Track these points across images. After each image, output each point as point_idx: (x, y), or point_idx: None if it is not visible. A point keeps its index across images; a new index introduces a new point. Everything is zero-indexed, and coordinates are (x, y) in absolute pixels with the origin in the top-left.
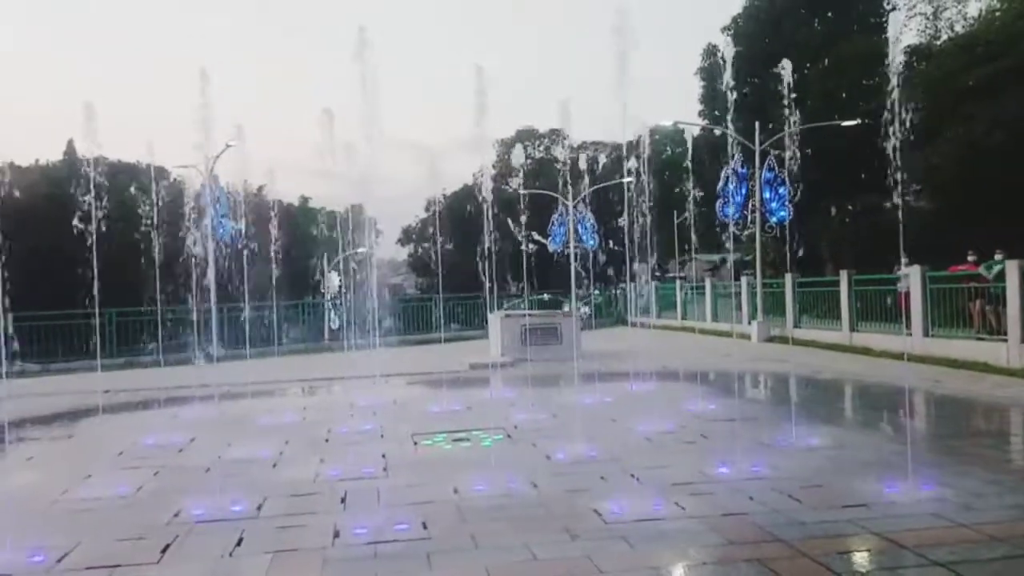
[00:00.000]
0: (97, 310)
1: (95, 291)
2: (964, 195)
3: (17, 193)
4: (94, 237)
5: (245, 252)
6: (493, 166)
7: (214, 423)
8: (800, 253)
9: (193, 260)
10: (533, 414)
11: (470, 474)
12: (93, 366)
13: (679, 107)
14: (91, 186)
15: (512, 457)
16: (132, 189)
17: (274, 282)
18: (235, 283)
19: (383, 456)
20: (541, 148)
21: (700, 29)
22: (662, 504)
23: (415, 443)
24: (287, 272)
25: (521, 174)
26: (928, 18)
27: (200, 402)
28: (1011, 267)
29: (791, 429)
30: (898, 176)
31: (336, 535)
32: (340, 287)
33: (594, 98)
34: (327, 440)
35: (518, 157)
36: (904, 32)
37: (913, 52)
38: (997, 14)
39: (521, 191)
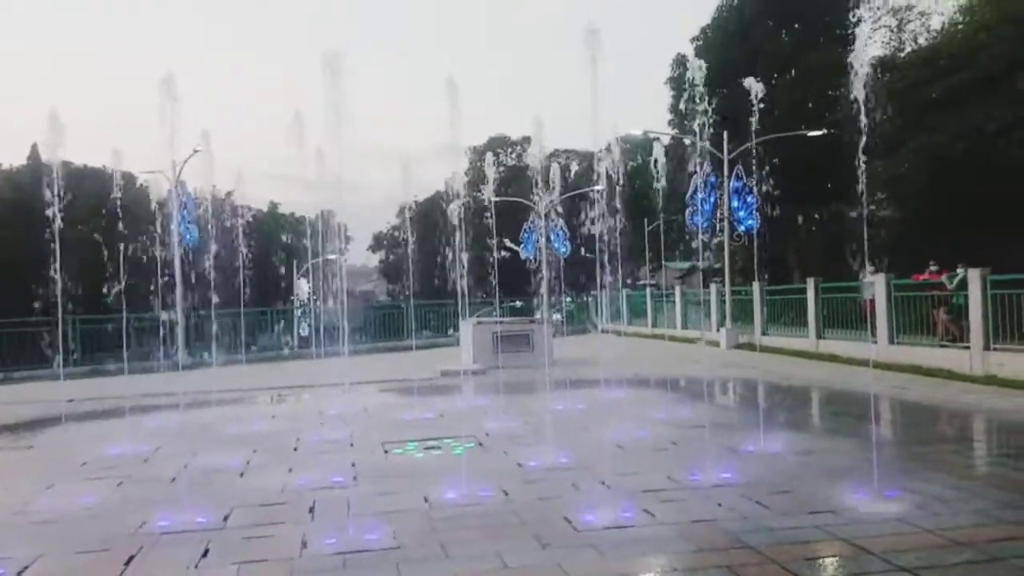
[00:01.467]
0: (60, 317)
1: (58, 298)
2: (929, 204)
3: None
4: (57, 243)
5: (211, 258)
6: (465, 173)
7: (180, 432)
8: (767, 261)
9: (159, 266)
10: (504, 422)
11: (441, 482)
12: (56, 374)
13: (650, 116)
14: (56, 191)
15: (483, 465)
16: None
17: (242, 289)
18: (202, 290)
19: (353, 465)
20: (513, 156)
21: (670, 39)
22: (632, 511)
23: (386, 451)
24: (255, 279)
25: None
26: (892, 31)
27: (166, 410)
28: (973, 276)
29: (759, 436)
30: (862, 185)
31: (304, 545)
32: (309, 294)
33: (566, 107)
34: (296, 449)
35: (490, 165)
36: (869, 44)
37: (878, 63)
38: (959, 27)
39: (493, 199)
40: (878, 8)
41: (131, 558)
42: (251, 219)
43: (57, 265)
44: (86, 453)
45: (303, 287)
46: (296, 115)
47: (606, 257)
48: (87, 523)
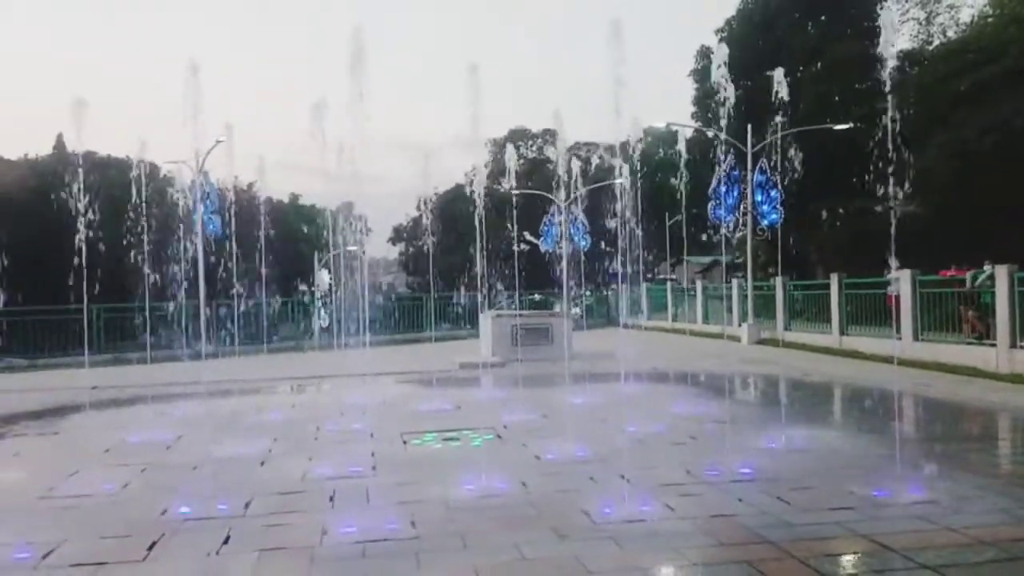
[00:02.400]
0: (85, 306)
1: (83, 286)
2: (955, 199)
3: (5, 187)
4: (82, 232)
5: (234, 248)
6: (486, 166)
7: (202, 420)
8: (790, 256)
9: (182, 256)
10: (523, 414)
11: (459, 474)
12: (80, 362)
13: (673, 108)
14: (80, 181)
15: (502, 457)
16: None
17: (263, 279)
18: (224, 280)
19: (372, 455)
20: (534, 148)
21: (695, 31)
22: (651, 505)
23: (405, 442)
24: (276, 269)
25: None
26: (921, 23)
27: (188, 399)
28: (1001, 273)
29: (780, 431)
30: (890, 180)
31: (324, 534)
32: (330, 285)
33: (588, 99)
34: (316, 438)
35: (511, 157)
36: (897, 37)
37: (905, 57)
38: (989, 20)
39: (513, 191)
40: (906, 1)
41: (153, 544)
42: (272, 210)
43: (82, 253)
44: (109, 440)
45: (324, 278)
46: (316, 106)
47: (626, 251)
48: (110, 509)
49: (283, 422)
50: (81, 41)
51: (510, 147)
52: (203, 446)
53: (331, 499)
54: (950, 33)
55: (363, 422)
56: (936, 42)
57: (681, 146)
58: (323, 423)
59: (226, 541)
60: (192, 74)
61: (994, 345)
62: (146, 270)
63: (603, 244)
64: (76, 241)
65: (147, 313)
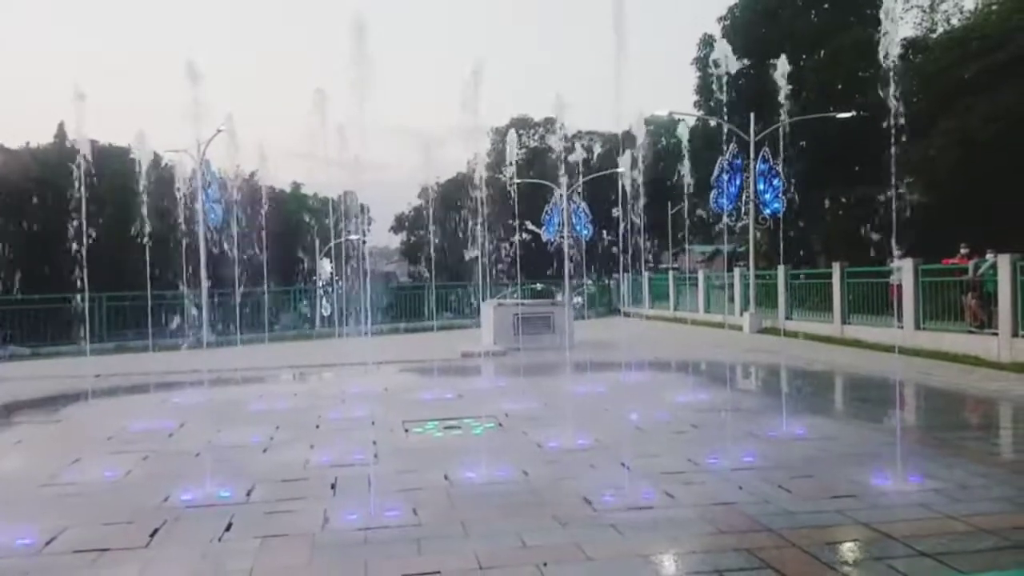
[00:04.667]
0: (87, 294)
1: (85, 275)
2: (959, 188)
3: (8, 176)
4: (83, 221)
5: (236, 238)
6: (488, 154)
7: (204, 408)
8: (793, 244)
9: (183, 245)
10: (524, 403)
11: (461, 461)
12: (83, 350)
13: (676, 96)
14: (81, 170)
15: (503, 445)
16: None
17: (265, 268)
18: (226, 269)
19: (374, 443)
20: (536, 137)
21: (698, 18)
22: (652, 493)
23: (406, 430)
24: (278, 258)
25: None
26: (925, 11)
27: (190, 387)
28: (1003, 262)
29: (781, 420)
30: (892, 169)
31: (326, 521)
32: (332, 274)
33: (590, 87)
34: (318, 427)
35: (512, 146)
36: (901, 24)
37: (909, 45)
38: (994, 8)
39: (515, 180)
40: None
41: (156, 531)
42: (274, 199)
43: (83, 242)
44: (112, 427)
45: (325, 267)
46: (319, 94)
47: (628, 240)
48: (113, 496)
49: (285, 410)
50: (82, 29)
51: (512, 134)
52: (205, 434)
53: (333, 487)
54: (954, 21)
55: (365, 410)
56: (940, 30)
57: (683, 135)
58: (325, 411)
59: (228, 528)
60: (193, 62)
61: (995, 334)
62: (147, 259)
63: (605, 233)
64: (78, 230)
65: (149, 301)
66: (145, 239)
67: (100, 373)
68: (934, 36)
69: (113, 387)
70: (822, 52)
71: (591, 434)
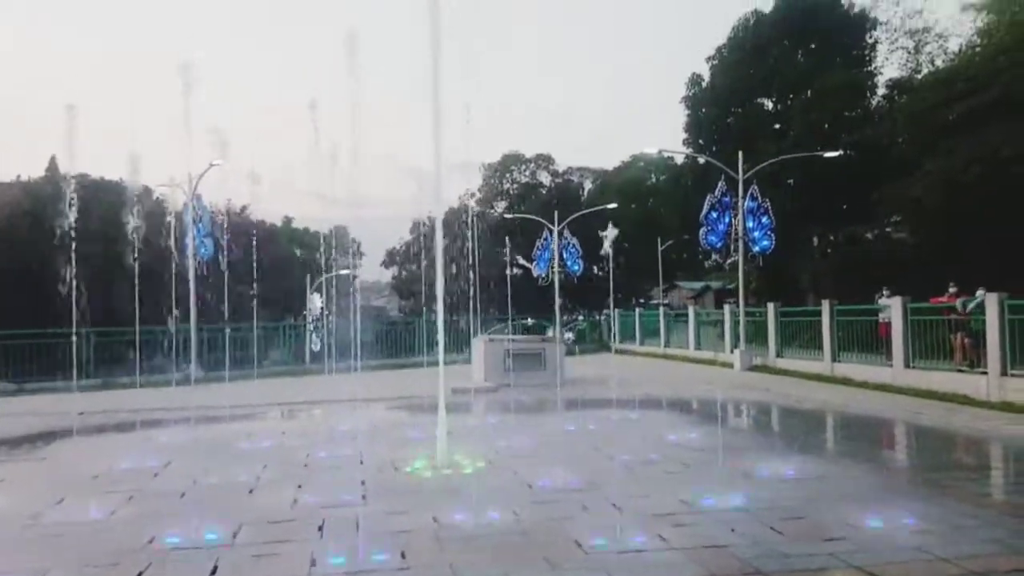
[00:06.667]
0: (74, 329)
1: (73, 310)
2: (945, 227)
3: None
4: (72, 256)
5: (226, 273)
6: (479, 190)
7: (191, 447)
8: (782, 282)
9: (173, 280)
10: (515, 441)
11: (450, 502)
12: (70, 386)
13: (665, 134)
14: (71, 204)
15: (493, 485)
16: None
17: (255, 303)
18: (215, 303)
19: (362, 483)
20: (527, 173)
21: (686, 58)
22: (644, 535)
23: (395, 469)
24: (268, 292)
25: (506, 198)
26: (909, 52)
27: (177, 425)
28: (991, 300)
29: (773, 460)
30: (880, 208)
31: (313, 564)
32: (322, 309)
33: (581, 124)
34: (306, 465)
35: (505, 181)
36: (886, 65)
37: (895, 86)
38: (977, 50)
39: (506, 215)
40: (895, 30)
41: (140, 573)
42: (265, 233)
43: (72, 276)
44: (97, 466)
45: (316, 302)
46: (313, 129)
47: (619, 276)
48: (97, 537)
49: (273, 448)
50: (75, 63)
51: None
52: (191, 473)
53: (320, 528)
54: (939, 62)
55: (353, 449)
56: (925, 71)
57: (673, 172)
58: (313, 450)
59: (214, 572)
60: (186, 95)
61: (985, 373)
62: (136, 294)
63: (595, 268)
64: (68, 264)
65: (137, 337)
66: (135, 274)
67: (85, 410)
68: (919, 77)
69: (99, 424)
70: (808, 92)
71: (582, 474)
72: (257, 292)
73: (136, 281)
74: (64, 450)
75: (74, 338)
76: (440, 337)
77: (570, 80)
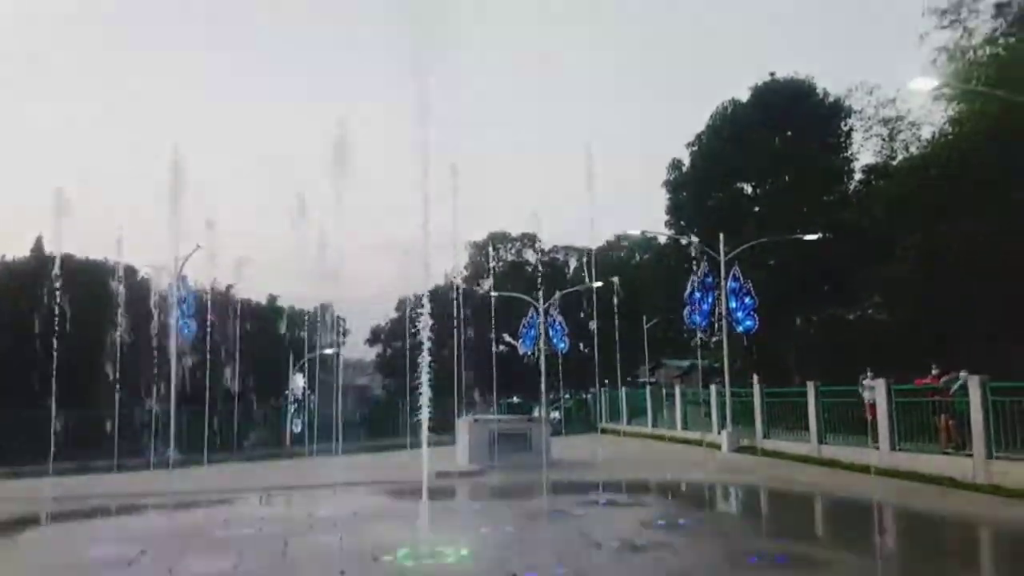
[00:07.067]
0: (53, 412)
1: (52, 392)
2: (924, 309)
3: None
4: (55, 338)
5: (208, 354)
6: (465, 268)
7: (167, 534)
8: (767, 362)
9: (155, 362)
10: (500, 527)
11: None
12: (45, 470)
13: (647, 216)
14: (55, 287)
15: (477, 574)
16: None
17: (237, 384)
18: (196, 386)
19: (342, 573)
20: (512, 251)
21: (667, 143)
22: None
23: (375, 559)
24: (251, 373)
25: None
26: (884, 139)
27: (153, 511)
28: (973, 383)
29: (762, 545)
30: (859, 290)
31: None
32: (304, 389)
33: (567, 205)
34: (284, 554)
35: (490, 261)
36: (861, 152)
37: (871, 171)
38: (949, 137)
39: (492, 294)
40: (869, 118)
41: None
42: (250, 312)
43: (53, 359)
44: (69, 555)
45: (298, 382)
46: (298, 207)
47: (604, 354)
48: None
49: (251, 536)
50: (61, 141)
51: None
52: (167, 562)
53: None
54: (913, 149)
55: (333, 536)
56: (900, 157)
57: (656, 253)
58: (292, 537)
59: None
60: (173, 176)
61: (970, 456)
62: (116, 376)
63: (581, 346)
64: (49, 346)
65: (116, 421)
66: (116, 355)
67: (59, 496)
68: (894, 163)
69: (72, 510)
70: (786, 177)
71: (568, 561)
72: (239, 372)
73: (117, 362)
74: (35, 538)
75: (51, 421)
76: (424, 419)
77: (557, 160)
